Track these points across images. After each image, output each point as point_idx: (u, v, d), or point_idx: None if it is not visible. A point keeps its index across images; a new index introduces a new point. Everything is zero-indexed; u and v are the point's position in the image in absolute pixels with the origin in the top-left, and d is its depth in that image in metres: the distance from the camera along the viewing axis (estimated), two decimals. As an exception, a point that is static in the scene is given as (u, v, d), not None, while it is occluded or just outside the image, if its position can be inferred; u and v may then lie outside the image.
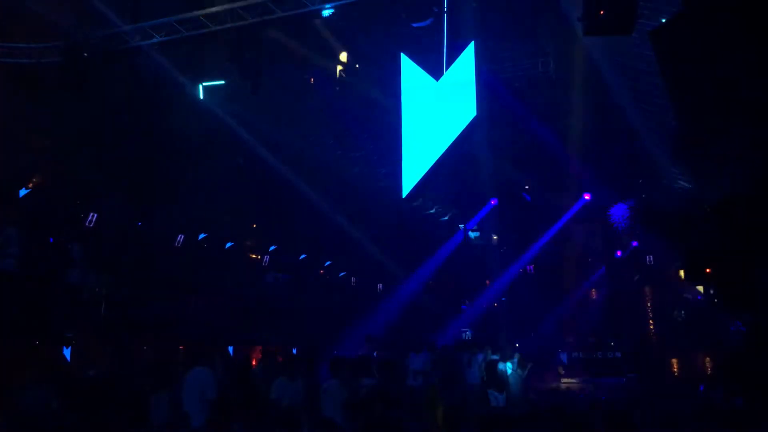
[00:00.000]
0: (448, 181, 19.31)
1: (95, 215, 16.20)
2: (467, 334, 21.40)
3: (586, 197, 23.44)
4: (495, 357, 12.17)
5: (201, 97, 14.49)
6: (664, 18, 9.86)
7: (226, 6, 11.21)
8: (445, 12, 11.39)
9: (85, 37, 11.61)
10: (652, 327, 24.37)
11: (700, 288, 18.71)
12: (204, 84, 14.37)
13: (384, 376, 9.51)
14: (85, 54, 11.84)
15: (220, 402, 8.97)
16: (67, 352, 13.97)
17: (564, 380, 20.74)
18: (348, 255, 23.37)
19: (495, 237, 25.94)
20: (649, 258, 23.87)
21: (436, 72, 12.36)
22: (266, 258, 21.94)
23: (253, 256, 22.20)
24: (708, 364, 20.31)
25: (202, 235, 19.34)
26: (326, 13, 11.15)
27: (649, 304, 24.66)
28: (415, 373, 12.73)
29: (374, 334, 14.06)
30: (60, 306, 14.70)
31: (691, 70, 8.25)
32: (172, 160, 15.84)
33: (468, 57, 11.88)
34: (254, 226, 21.19)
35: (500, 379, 11.63)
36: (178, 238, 18.60)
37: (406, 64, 12.61)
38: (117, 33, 11.73)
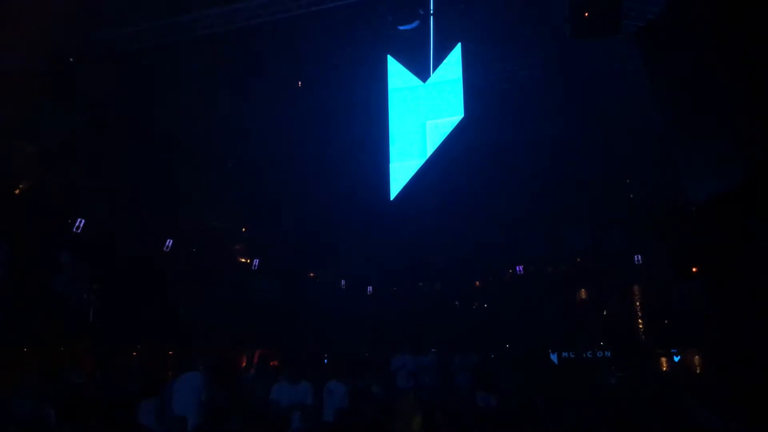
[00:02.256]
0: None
1: (83, 221, 16.09)
2: None
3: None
4: None
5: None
6: (649, 18, 9.93)
7: (213, 10, 11.18)
8: (431, 14, 11.42)
9: (72, 43, 11.55)
10: (641, 326, 24.50)
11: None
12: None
13: (374, 379, 9.53)
14: (71, 59, 11.76)
15: (212, 405, 8.96)
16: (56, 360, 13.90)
17: None
18: (337, 258, 23.34)
19: None
20: (637, 257, 23.97)
21: (423, 74, 12.39)
22: (256, 262, 21.87)
23: (243, 260, 22.14)
24: (698, 363, 20.43)
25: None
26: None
27: (638, 303, 24.79)
28: (408, 375, 12.74)
29: (364, 336, 14.05)
30: (48, 313, 14.59)
31: (676, 69, 8.32)
32: (161, 165, 15.77)
33: (454, 59, 11.94)
34: (243, 230, 21.14)
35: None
36: (167, 243, 18.50)
37: (393, 66, 12.64)
38: (104, 38, 11.67)
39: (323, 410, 8.98)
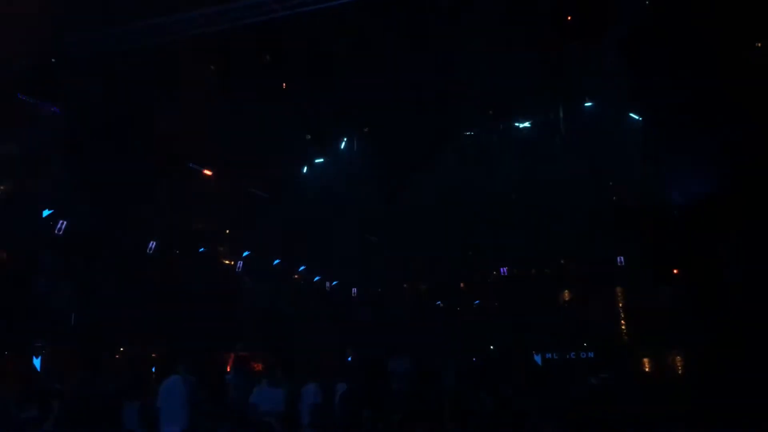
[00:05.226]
0: None
1: (64, 223, 15.92)
2: None
3: None
4: None
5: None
6: (632, 25, 10.02)
7: (200, 11, 11.11)
8: None
9: (57, 43, 11.43)
10: (624, 327, 24.69)
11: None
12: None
13: (366, 379, 9.53)
14: (53, 60, 11.65)
15: (196, 409, 8.93)
16: (37, 362, 13.76)
17: None
18: (322, 259, 23.31)
19: None
20: (620, 259, 24.17)
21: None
22: (240, 264, 21.76)
23: (227, 261, 22.03)
24: (679, 364, 20.62)
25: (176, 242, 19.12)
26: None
27: (621, 305, 24.98)
28: (399, 376, 12.71)
29: (350, 338, 14.06)
30: (29, 315, 14.43)
31: (660, 75, 8.41)
32: (144, 166, 15.63)
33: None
34: (227, 231, 21.05)
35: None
36: (150, 245, 18.35)
37: None
38: (89, 39, 11.55)
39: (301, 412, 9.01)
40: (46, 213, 15.70)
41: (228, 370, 14.59)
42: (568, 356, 24.22)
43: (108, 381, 10.49)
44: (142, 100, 13.46)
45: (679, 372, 20.11)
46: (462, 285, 27.28)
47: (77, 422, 8.52)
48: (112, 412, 9.75)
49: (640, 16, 8.60)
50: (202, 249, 20.16)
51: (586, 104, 15.47)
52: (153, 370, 14.72)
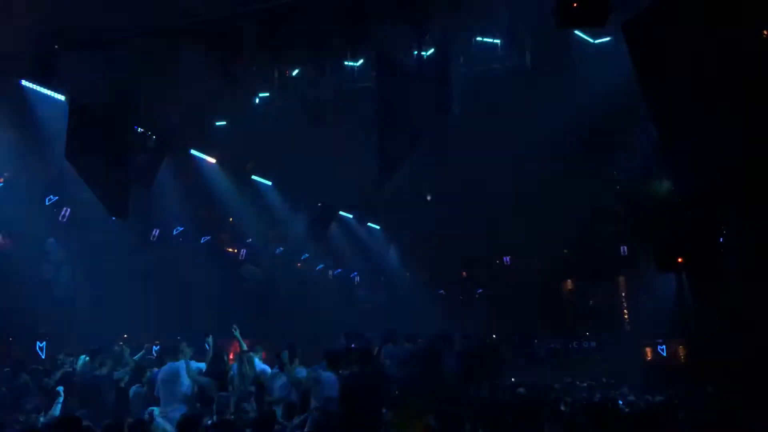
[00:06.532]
0: None
1: (68, 210, 15.98)
2: None
3: None
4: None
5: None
6: (638, 9, 9.92)
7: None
8: None
9: (56, 27, 11.38)
10: (626, 317, 24.73)
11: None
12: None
13: (365, 367, 9.55)
14: (56, 46, 11.62)
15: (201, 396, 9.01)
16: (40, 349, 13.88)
17: None
18: (325, 247, 23.36)
19: None
20: (623, 249, 24.15)
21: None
22: (243, 252, 21.84)
23: (230, 249, 22.12)
24: (681, 353, 20.65)
25: (178, 229, 19.19)
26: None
27: (623, 294, 25.01)
28: (400, 363, 12.69)
29: (352, 327, 14.03)
30: (33, 302, 14.53)
31: (664, 63, 8.34)
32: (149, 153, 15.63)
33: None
34: (231, 219, 21.12)
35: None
36: (154, 232, 18.41)
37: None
38: (88, 24, 11.50)
39: (311, 400, 9.03)
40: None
41: (231, 357, 14.64)
42: (571, 345, 24.31)
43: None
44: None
45: (682, 360, 20.16)
46: (464, 273, 27.34)
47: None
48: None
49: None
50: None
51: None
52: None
